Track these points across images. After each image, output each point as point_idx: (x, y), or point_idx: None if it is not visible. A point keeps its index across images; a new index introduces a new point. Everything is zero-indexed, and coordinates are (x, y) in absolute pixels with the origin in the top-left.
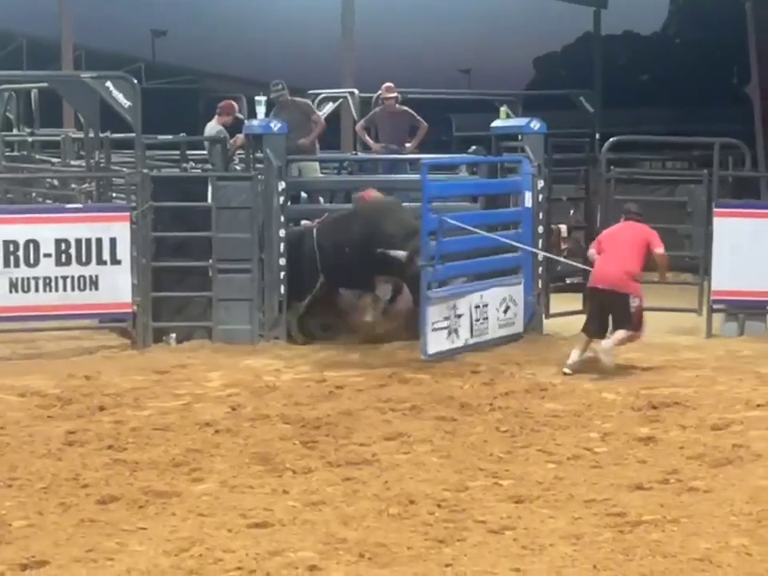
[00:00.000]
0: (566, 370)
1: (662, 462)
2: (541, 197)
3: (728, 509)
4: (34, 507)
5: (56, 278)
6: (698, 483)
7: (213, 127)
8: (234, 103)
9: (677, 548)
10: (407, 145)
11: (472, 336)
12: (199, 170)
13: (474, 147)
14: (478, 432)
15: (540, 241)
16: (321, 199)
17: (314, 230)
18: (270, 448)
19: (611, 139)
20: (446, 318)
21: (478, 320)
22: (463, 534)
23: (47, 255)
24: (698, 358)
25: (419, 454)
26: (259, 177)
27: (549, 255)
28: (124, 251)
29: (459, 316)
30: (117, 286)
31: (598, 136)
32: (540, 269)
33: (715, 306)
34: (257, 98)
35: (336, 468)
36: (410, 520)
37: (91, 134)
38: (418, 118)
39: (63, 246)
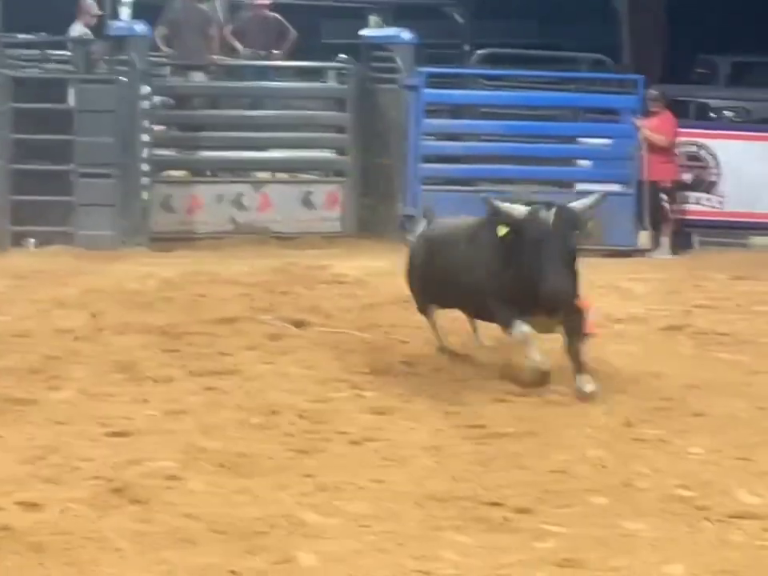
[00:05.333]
0: None
1: None
2: None
3: (584, 421)
4: None
5: None
6: (555, 397)
7: (77, 30)
8: (90, 1)
9: (534, 460)
10: (275, 52)
11: None
12: (61, 72)
13: (342, 56)
14: (342, 343)
15: None
16: None
17: None
18: (130, 356)
19: (479, 51)
20: None
21: None
22: (325, 444)
23: None
24: None
25: (282, 365)
26: (122, 80)
27: None
28: None
29: None
30: None
31: (467, 48)
32: None
33: None
34: None
35: (198, 377)
36: (272, 430)
37: None
38: (287, 24)
39: None
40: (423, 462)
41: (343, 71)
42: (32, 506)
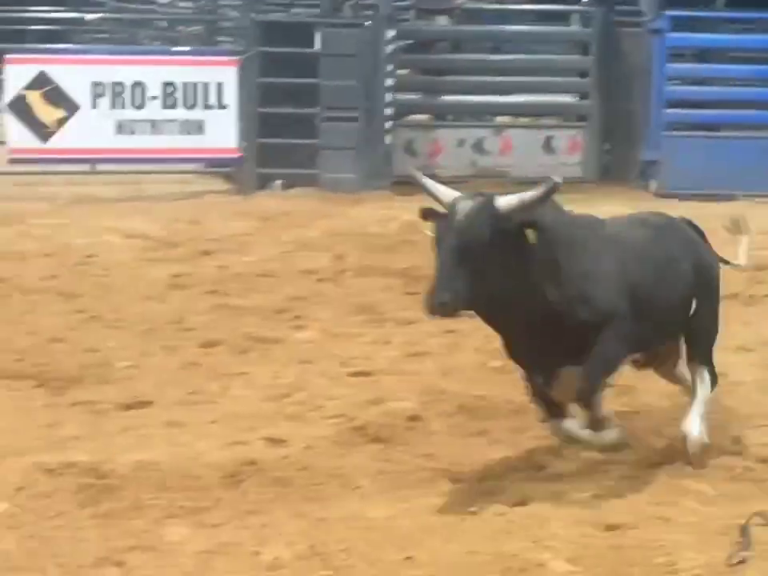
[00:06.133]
0: None
1: (764, 327)
2: None
3: None
4: (137, 349)
5: (162, 121)
6: None
7: None
8: None
9: None
10: None
11: None
12: (307, 16)
13: None
14: None
15: None
16: None
17: None
18: (372, 298)
19: None
20: None
21: None
22: None
23: (153, 98)
24: None
25: None
26: (367, 24)
27: None
28: (231, 96)
29: None
30: (223, 131)
31: None
32: None
33: None
34: None
35: (438, 320)
36: (511, 374)
37: None
38: None
39: (170, 89)
40: (665, 409)
41: (587, 15)
42: (277, 441)
